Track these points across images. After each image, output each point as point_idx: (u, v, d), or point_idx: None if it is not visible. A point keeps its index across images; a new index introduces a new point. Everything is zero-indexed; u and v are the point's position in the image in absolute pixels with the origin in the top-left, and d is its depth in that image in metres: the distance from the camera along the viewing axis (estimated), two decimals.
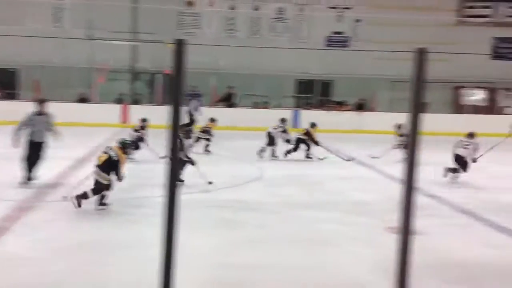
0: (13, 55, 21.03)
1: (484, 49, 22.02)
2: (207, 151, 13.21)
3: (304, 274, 5.05)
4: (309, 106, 22.51)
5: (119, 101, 21.10)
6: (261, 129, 13.45)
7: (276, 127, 12.96)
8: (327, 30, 22.69)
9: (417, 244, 5.55)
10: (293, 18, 22.92)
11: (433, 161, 12.46)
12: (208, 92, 21.23)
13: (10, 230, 6.16)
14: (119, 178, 7.13)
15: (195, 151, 10.43)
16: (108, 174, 7.08)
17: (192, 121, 17.60)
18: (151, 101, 21.80)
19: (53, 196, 7.87)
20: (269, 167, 11.37)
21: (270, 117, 16.71)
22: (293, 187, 9.55)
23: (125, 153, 7.27)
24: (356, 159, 12.78)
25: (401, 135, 12.55)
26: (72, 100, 20.61)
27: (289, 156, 12.49)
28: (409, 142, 2.39)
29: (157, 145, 10.73)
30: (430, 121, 17.74)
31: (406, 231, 2.47)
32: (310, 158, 12.69)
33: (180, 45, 2.22)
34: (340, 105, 21.63)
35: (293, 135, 12.98)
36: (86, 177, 7.46)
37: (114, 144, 7.42)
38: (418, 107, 2.37)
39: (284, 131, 12.97)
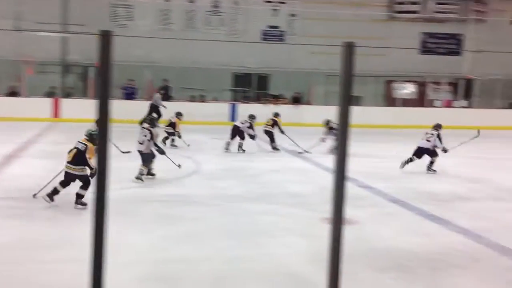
0: None
1: (413, 44, 22.80)
2: (173, 145, 13.10)
3: (240, 265, 5.07)
4: (246, 99, 22.57)
5: (50, 94, 20.36)
6: (198, 123, 13.37)
7: (243, 121, 13.11)
8: (263, 24, 22.81)
9: (350, 234, 5.68)
10: (228, 12, 22.90)
11: (367, 153, 12.85)
12: (143, 85, 20.87)
13: None
14: (91, 169, 6.89)
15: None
16: (82, 166, 6.98)
17: (158, 115, 17.12)
18: (84, 94, 21.19)
19: None
20: (206, 161, 11.33)
21: (207, 111, 16.68)
22: (231, 180, 9.55)
23: (93, 144, 7.01)
24: (293, 152, 12.96)
25: (330, 128, 12.83)
26: (1, 93, 19.76)
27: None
28: (339, 135, 2.43)
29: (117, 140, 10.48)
30: (363, 114, 18.32)
31: (337, 221, 2.51)
32: (278, 150, 13.18)
33: (106, 36, 2.14)
34: (276, 99, 21.80)
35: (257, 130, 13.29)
36: (56, 175, 7.36)
37: (82, 137, 7.26)
38: (347, 100, 2.41)
39: (250, 127, 13.10)
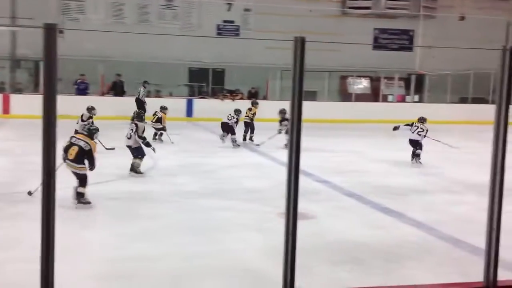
0: None
1: (366, 40, 23.17)
2: (160, 139, 13.26)
3: (198, 262, 5.03)
4: (202, 94, 22.43)
5: None
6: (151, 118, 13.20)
7: (230, 117, 13.24)
8: (217, 19, 22.71)
9: (306, 228, 5.75)
10: (182, 6, 22.70)
11: (323, 147, 12.97)
12: (97, 80, 20.46)
13: None
14: (92, 166, 6.87)
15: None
16: (83, 164, 6.83)
17: (143, 109, 16.80)
18: (36, 90, 20.59)
19: None
20: (163, 157, 11.18)
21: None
22: (187, 176, 9.47)
23: (92, 139, 7.08)
24: (249, 146, 12.98)
25: (283, 120, 12.99)
26: None
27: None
28: (291, 130, 2.44)
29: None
30: (319, 108, 18.51)
31: (291, 216, 2.52)
32: (253, 141, 13.70)
33: (50, 30, 2.07)
34: (232, 94, 21.75)
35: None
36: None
37: (78, 134, 7.18)
38: (298, 94, 2.41)
39: (237, 122, 13.34)
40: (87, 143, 6.88)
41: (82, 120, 11.43)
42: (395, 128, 11.37)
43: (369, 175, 10.05)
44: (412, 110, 22.39)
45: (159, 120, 13.20)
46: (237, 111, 13.46)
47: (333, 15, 24.22)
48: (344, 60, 22.89)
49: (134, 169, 9.03)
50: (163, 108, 13.50)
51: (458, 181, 9.60)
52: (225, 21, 22.93)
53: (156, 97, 21.01)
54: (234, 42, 22.48)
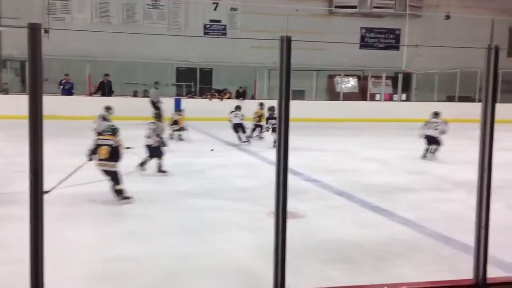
0: None
1: (353, 39, 23.25)
2: (179, 139, 13.78)
3: (189, 262, 5.01)
4: (190, 94, 22.37)
5: None
6: (141, 119, 13.14)
7: (236, 114, 13.82)
8: (204, 18, 22.67)
9: (296, 227, 5.76)
10: (168, 5, 22.62)
11: (311, 146, 13.01)
12: (84, 80, 20.33)
13: None
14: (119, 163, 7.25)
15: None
16: (114, 161, 7.20)
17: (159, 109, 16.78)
18: (22, 90, 20.40)
19: None
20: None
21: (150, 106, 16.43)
22: (178, 176, 9.43)
23: (116, 136, 7.46)
24: (239, 146, 12.97)
25: (271, 117, 13.07)
26: None
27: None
28: (279, 129, 2.44)
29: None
30: (307, 108, 18.53)
31: (280, 215, 2.52)
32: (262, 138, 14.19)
33: (34, 29, 2.05)
34: (220, 93, 21.72)
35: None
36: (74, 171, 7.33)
37: (102, 135, 7.51)
38: (285, 94, 2.42)
39: (242, 117, 13.92)
40: (115, 141, 7.30)
41: (105, 120, 11.58)
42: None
43: (358, 173, 10.08)
44: (399, 108, 22.63)
45: (175, 122, 13.94)
46: (239, 108, 14.12)
47: (319, 14, 24.29)
48: (332, 59, 22.95)
49: (160, 169, 9.33)
50: (179, 111, 14.37)
51: (447, 179, 9.67)
52: (211, 21, 22.89)
53: (144, 97, 20.92)
54: (221, 42, 22.46)
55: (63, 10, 21.53)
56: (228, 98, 21.32)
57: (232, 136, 14.08)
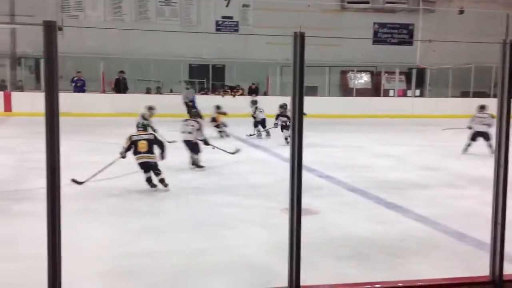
0: None
1: (366, 34, 23.12)
2: (222, 136, 13.93)
3: (202, 258, 5.02)
4: (203, 91, 22.41)
5: (0, 88, 19.73)
6: (155, 116, 13.17)
7: (261, 110, 14.30)
8: (216, 15, 22.67)
9: (310, 224, 5.75)
10: (181, 2, 22.65)
11: (325, 143, 12.97)
12: (98, 77, 20.44)
13: None
14: (164, 153, 7.85)
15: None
16: (153, 153, 7.72)
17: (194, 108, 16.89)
18: (37, 87, 20.57)
19: None
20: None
21: (163, 103, 16.48)
22: (192, 171, 9.46)
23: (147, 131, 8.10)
24: (251, 143, 12.98)
25: (281, 114, 13.03)
26: None
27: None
28: (292, 125, 2.43)
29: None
30: (320, 104, 18.45)
31: (295, 212, 2.52)
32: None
33: (50, 27, 2.06)
34: (233, 90, 21.73)
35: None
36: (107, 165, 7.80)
37: (138, 131, 7.86)
38: (299, 91, 2.41)
39: (262, 111, 14.39)
40: (149, 134, 7.95)
41: (145, 119, 11.57)
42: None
43: (372, 170, 10.03)
44: (413, 104, 22.50)
45: (214, 119, 14.18)
46: (254, 102, 14.63)
47: (331, 9, 24.18)
48: (344, 55, 22.85)
49: (196, 164, 9.58)
50: (217, 108, 14.42)
51: (462, 175, 9.59)
52: (224, 17, 22.88)
53: (157, 94, 21.01)
54: (233, 38, 22.44)
55: (77, 7, 21.65)
56: (241, 94, 21.33)
57: (244, 132, 14.09)
